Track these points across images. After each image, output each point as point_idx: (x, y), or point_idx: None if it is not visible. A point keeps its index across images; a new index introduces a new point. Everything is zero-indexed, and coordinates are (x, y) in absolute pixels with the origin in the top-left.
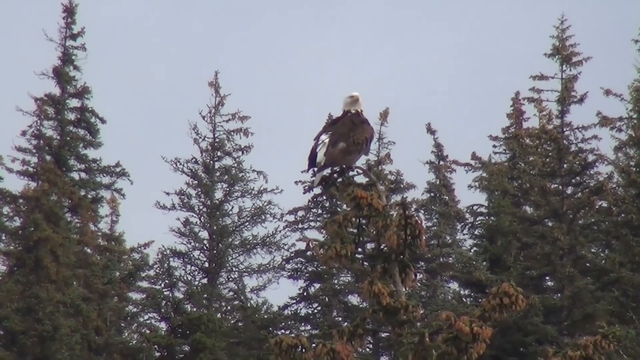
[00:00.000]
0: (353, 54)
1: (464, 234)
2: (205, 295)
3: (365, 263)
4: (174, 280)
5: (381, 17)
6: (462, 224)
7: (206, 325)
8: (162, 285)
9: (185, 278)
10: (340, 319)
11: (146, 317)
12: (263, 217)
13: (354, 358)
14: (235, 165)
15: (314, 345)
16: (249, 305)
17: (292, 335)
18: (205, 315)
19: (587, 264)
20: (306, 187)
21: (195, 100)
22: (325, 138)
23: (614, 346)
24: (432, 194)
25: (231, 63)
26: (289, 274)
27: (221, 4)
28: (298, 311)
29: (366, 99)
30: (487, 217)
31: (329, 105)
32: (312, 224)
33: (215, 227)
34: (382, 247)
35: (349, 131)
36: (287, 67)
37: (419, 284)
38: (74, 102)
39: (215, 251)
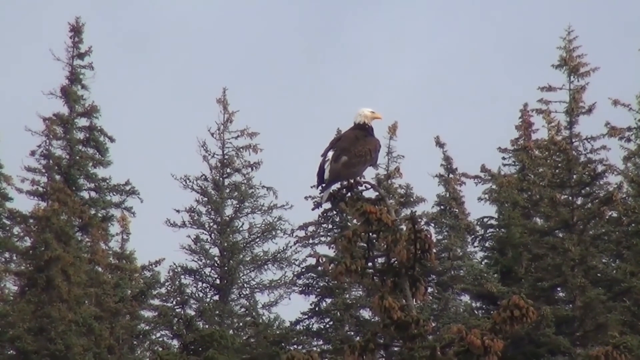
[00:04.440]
0: (362, 67)
1: (474, 247)
2: (217, 312)
3: (375, 278)
4: (186, 297)
5: (389, 29)
6: (473, 236)
7: (218, 342)
8: (174, 302)
9: (196, 295)
10: (352, 333)
11: (158, 334)
12: (273, 233)
13: None
14: (245, 181)
15: None
16: (260, 321)
17: (304, 351)
18: (218, 332)
19: (598, 275)
20: (316, 203)
21: (203, 117)
22: (332, 154)
23: (626, 356)
24: (442, 207)
25: (239, 78)
26: (301, 289)
27: (228, 22)
28: (310, 326)
29: (383, 112)
30: (497, 229)
31: (339, 119)
32: (323, 239)
33: (225, 244)
34: (392, 261)
35: (350, 145)
36: (296, 81)
37: (430, 297)
38: (82, 122)
39: (226, 268)
